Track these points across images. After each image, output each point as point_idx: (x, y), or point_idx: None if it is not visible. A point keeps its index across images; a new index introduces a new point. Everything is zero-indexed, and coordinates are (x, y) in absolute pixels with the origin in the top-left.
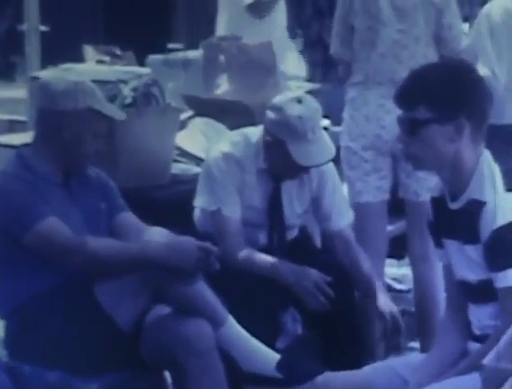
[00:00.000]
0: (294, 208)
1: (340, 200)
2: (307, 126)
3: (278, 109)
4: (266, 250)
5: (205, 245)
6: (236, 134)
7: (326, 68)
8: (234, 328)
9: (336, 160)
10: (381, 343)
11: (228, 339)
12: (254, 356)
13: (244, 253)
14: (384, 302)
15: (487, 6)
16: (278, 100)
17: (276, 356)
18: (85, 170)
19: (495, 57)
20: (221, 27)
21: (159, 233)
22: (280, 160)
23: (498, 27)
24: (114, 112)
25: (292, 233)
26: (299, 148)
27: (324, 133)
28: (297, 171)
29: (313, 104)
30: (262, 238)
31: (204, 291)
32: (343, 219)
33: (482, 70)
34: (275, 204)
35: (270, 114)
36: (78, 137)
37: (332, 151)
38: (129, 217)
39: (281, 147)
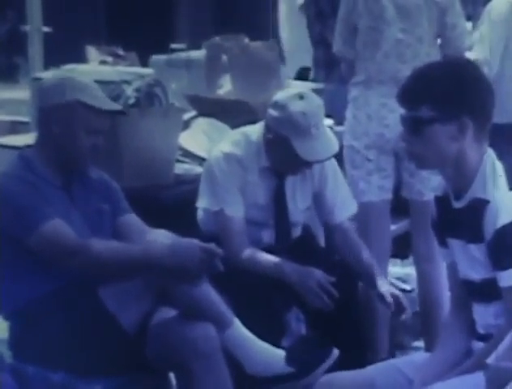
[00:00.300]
0: (297, 204)
1: (343, 192)
2: (310, 122)
3: (280, 106)
4: (270, 248)
5: (209, 247)
6: (236, 134)
7: (329, 68)
8: (240, 331)
9: (339, 160)
10: (385, 342)
11: (234, 341)
12: (260, 359)
13: (247, 252)
14: (384, 286)
15: (492, 2)
16: (280, 97)
17: (282, 355)
18: (86, 169)
19: (490, 47)
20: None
21: (162, 236)
22: (284, 157)
23: (499, 19)
24: (107, 104)
25: (296, 231)
26: (303, 144)
27: (327, 128)
28: (301, 166)
29: (316, 99)
30: (266, 237)
31: (209, 293)
32: (346, 211)
33: (474, 55)
34: (279, 200)
35: (273, 112)
36: (69, 132)
37: (336, 146)
38: (132, 219)
39: (285, 144)
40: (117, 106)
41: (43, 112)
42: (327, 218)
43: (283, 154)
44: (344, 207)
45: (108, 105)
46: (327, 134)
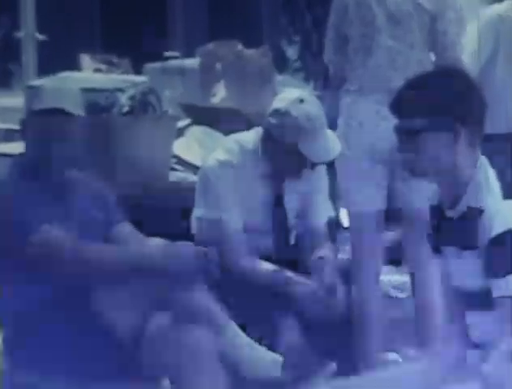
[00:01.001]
0: (293, 205)
1: (323, 194)
2: (316, 124)
3: (282, 113)
4: (268, 256)
5: (205, 251)
6: (230, 141)
7: (327, 77)
8: (236, 334)
9: (332, 169)
10: (379, 350)
11: (230, 345)
12: (257, 362)
13: (245, 261)
14: None
15: (483, 10)
16: (280, 104)
17: (279, 360)
18: (59, 175)
19: (478, 57)
20: None
21: (157, 244)
22: (289, 162)
23: (487, 27)
24: (43, 105)
25: (292, 238)
26: (311, 146)
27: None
28: (305, 169)
29: (315, 100)
30: (263, 244)
31: (205, 297)
32: (325, 213)
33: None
34: (278, 204)
35: (275, 120)
36: (27, 142)
37: (338, 144)
38: (127, 228)
39: (291, 149)
40: (48, 104)
41: None
42: (308, 218)
43: (288, 159)
44: (324, 209)
45: (40, 106)
46: (330, 133)
